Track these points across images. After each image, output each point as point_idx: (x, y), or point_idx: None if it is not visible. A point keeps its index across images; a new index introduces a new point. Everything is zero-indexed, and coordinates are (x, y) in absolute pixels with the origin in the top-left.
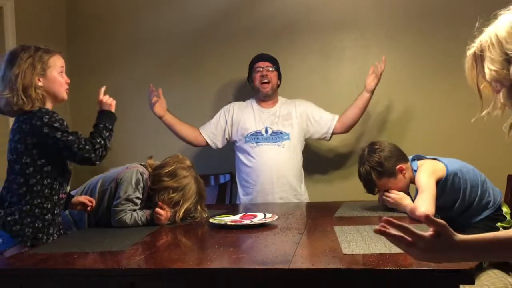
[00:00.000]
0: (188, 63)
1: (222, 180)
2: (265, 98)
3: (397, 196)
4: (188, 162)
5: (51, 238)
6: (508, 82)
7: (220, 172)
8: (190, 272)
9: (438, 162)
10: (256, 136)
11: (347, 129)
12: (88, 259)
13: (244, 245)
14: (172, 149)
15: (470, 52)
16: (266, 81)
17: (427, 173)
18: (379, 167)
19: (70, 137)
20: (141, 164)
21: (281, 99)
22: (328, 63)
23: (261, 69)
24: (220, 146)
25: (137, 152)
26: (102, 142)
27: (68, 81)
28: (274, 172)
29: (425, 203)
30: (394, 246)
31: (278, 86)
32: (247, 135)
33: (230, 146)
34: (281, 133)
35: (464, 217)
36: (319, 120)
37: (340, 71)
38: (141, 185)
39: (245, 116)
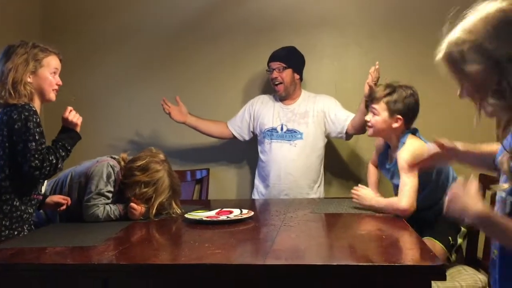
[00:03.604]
0: (168, 60)
1: (198, 176)
2: (281, 98)
3: (362, 192)
4: (161, 156)
5: (21, 234)
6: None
7: (197, 167)
8: (164, 268)
9: (425, 145)
10: (271, 133)
11: (360, 131)
12: (60, 254)
13: (220, 241)
14: (148, 144)
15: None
16: (277, 82)
17: (410, 155)
18: (396, 97)
19: (31, 144)
20: (111, 157)
21: (304, 94)
22: (307, 61)
23: (272, 70)
24: (247, 138)
25: (112, 147)
26: (54, 161)
27: (60, 83)
28: (282, 169)
29: (406, 197)
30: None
31: (300, 79)
32: (264, 130)
33: (209, 141)
34: (295, 131)
35: (433, 211)
36: (334, 119)
37: (319, 68)
38: (113, 178)
39: (265, 112)
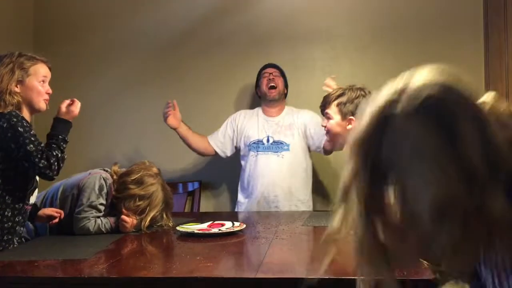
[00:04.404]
0: (160, 72)
1: (190, 188)
2: (271, 103)
3: None
4: (155, 169)
5: (10, 247)
6: None
7: (189, 179)
8: (155, 281)
9: None
10: (257, 145)
11: (337, 148)
12: (50, 268)
13: (211, 253)
14: (140, 156)
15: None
16: (272, 84)
17: None
18: (346, 99)
19: (30, 146)
20: (104, 170)
21: (287, 108)
22: (298, 74)
23: (268, 74)
24: (229, 154)
25: (104, 159)
26: (60, 155)
27: (50, 91)
28: (271, 182)
29: None
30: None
31: (285, 95)
32: (249, 143)
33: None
34: (281, 143)
35: None
36: (313, 134)
37: (310, 81)
38: (105, 191)
39: (250, 125)
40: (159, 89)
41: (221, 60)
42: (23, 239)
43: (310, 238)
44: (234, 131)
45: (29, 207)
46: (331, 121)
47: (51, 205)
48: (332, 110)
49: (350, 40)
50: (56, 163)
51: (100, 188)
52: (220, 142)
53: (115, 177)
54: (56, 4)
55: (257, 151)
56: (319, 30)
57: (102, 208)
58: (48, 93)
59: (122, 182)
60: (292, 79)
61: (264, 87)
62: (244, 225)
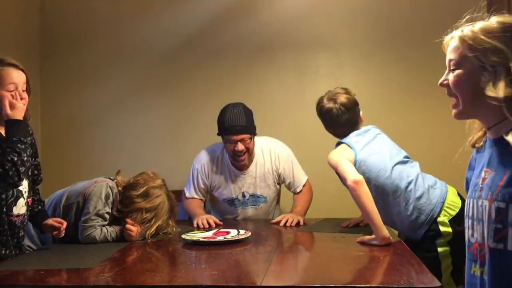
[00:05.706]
0: (165, 80)
1: None
2: (238, 167)
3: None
4: (159, 181)
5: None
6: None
7: None
8: None
9: (349, 149)
10: (233, 201)
11: None
12: (55, 276)
13: (217, 261)
14: (143, 165)
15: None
16: (242, 157)
17: (336, 154)
18: (320, 111)
19: None
20: (109, 178)
21: (257, 151)
22: (303, 81)
23: (234, 144)
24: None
25: (107, 166)
26: (16, 159)
27: (23, 96)
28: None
29: (346, 172)
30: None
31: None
32: (225, 199)
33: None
34: (258, 196)
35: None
36: (287, 185)
37: (314, 88)
38: (111, 199)
39: (221, 181)
40: (163, 96)
41: (225, 67)
42: (27, 250)
43: (316, 246)
44: (209, 186)
45: (16, 218)
46: None
47: (54, 212)
48: None
49: (354, 47)
50: (13, 169)
51: (107, 197)
52: (203, 196)
53: (119, 188)
54: (61, 13)
55: (235, 207)
56: (323, 37)
57: (108, 216)
58: (22, 99)
59: (127, 197)
60: (295, 86)
61: (231, 153)
62: (250, 233)
